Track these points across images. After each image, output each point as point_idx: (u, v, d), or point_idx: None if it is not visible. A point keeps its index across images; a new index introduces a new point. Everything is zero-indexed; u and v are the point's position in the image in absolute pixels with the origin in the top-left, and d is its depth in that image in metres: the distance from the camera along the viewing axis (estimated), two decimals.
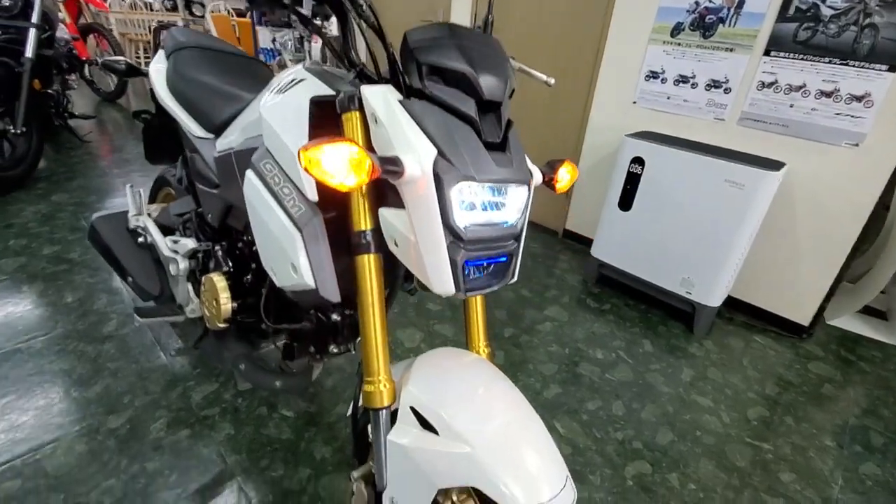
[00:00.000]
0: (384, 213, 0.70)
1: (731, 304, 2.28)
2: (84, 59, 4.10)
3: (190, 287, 1.29)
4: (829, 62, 1.80)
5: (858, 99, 1.77)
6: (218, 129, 1.17)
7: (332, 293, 0.78)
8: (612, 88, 2.43)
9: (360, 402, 0.80)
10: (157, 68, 1.38)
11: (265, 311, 1.08)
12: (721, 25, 2.01)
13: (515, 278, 0.85)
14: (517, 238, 0.76)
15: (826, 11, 1.76)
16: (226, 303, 1.10)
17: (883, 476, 1.46)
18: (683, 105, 2.20)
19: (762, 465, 1.46)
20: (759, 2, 1.90)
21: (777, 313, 2.18)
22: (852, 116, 1.80)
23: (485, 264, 0.77)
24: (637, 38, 2.27)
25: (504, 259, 0.79)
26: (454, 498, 0.75)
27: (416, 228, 0.65)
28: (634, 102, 2.36)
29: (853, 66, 1.76)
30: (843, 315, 2.28)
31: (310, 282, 0.77)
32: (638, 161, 2.05)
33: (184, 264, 1.29)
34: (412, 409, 0.71)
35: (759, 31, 1.92)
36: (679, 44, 2.15)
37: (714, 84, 2.09)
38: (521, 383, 1.67)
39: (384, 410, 0.74)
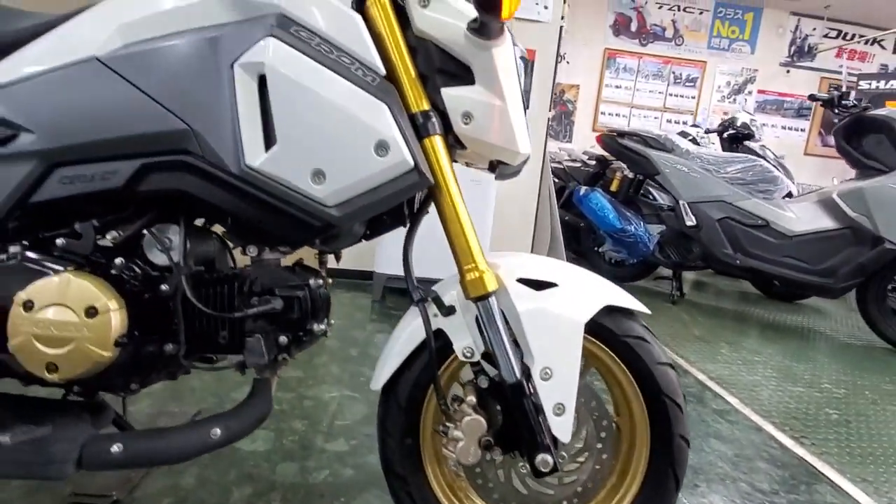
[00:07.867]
0: (451, 91, 0.69)
1: None
2: None
3: None
4: None
5: None
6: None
7: (428, 171, 0.67)
8: None
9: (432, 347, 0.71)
10: None
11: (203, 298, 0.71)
12: None
13: None
14: None
15: None
16: (117, 308, 0.66)
17: None
18: None
19: None
20: None
21: None
22: None
23: None
24: None
25: None
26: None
27: (507, 92, 0.69)
28: None
29: None
30: None
31: (408, 157, 0.64)
32: None
33: None
34: (520, 280, 0.72)
35: None
36: None
37: None
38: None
39: (493, 297, 0.69)
